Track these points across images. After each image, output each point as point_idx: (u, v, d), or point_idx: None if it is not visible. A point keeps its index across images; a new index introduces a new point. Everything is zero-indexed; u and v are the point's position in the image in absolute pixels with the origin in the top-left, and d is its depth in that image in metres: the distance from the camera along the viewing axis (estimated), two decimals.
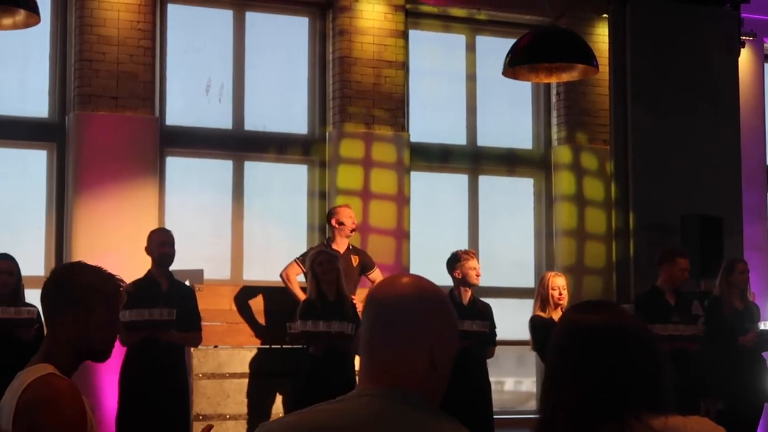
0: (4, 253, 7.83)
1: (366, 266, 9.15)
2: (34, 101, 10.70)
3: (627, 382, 2.47)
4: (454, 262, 8.27)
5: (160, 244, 8.03)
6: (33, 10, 7.86)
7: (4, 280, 7.71)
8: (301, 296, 8.59)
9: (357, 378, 5.78)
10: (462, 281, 8.23)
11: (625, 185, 11.69)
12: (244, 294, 9.31)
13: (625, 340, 2.52)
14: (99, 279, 3.36)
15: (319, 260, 8.14)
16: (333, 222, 9.10)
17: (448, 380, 2.32)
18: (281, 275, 9.02)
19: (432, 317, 2.27)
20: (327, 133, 11.43)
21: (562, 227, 12.10)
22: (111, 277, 3.40)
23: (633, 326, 2.57)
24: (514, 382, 12.62)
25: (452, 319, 2.33)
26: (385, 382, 2.23)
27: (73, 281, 3.35)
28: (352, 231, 9.09)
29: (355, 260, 9.09)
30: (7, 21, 8.11)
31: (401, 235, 11.30)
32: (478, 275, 8.25)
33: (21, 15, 7.99)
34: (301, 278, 8.95)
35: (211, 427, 3.40)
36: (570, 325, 2.56)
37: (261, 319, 9.22)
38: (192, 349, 8.66)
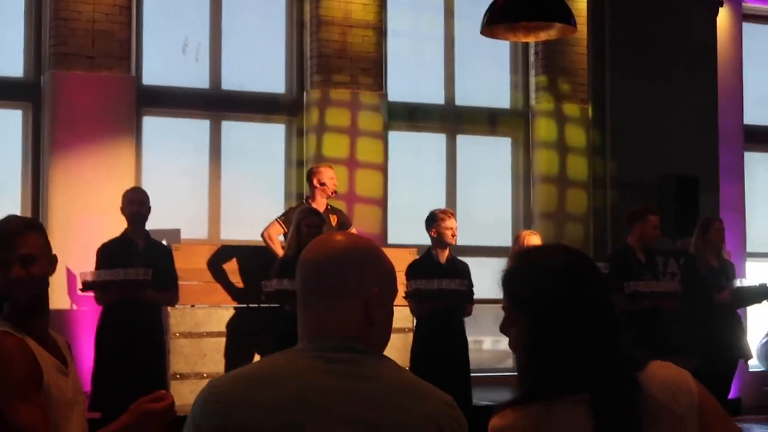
0: None
1: (344, 226, 9.14)
2: (8, 60, 10.63)
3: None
4: (431, 221, 8.27)
5: (130, 203, 7.99)
6: None
7: None
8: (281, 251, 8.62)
9: None
10: (438, 241, 8.24)
11: (602, 144, 11.72)
12: (221, 253, 9.30)
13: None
14: None
15: (308, 222, 8.05)
16: (314, 181, 9.06)
17: (388, 333, 2.35)
18: (262, 235, 9.01)
19: (363, 271, 2.29)
20: (304, 93, 11.40)
21: (540, 186, 12.12)
22: None
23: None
24: (492, 341, 12.66)
25: (387, 272, 2.35)
26: (326, 337, 2.27)
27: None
28: (333, 192, 9.06)
29: (333, 220, 9.08)
30: None
31: (380, 194, 11.30)
32: (453, 235, 8.23)
33: None
34: (282, 238, 8.94)
35: (163, 393, 3.36)
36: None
37: (238, 279, 9.22)
38: (169, 308, 8.65)
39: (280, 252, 8.69)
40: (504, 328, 2.53)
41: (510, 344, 2.53)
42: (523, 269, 2.52)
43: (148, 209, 8.04)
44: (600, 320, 2.44)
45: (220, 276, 9.21)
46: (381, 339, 2.33)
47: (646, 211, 8.75)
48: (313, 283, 2.31)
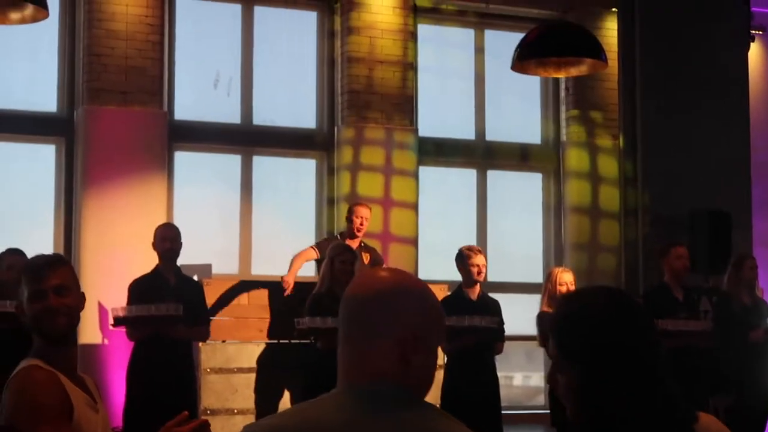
0: (15, 249, 7.82)
1: (376, 263, 9.14)
2: (43, 96, 10.71)
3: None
4: (459, 259, 8.26)
5: (163, 239, 8.02)
6: (42, 5, 7.86)
7: (16, 275, 7.70)
8: (292, 275, 8.76)
9: None
10: (467, 278, 8.22)
11: (634, 178, 11.67)
12: (252, 289, 9.30)
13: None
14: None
15: (342, 258, 8.08)
16: (352, 219, 9.10)
17: (430, 374, 2.27)
18: (294, 256, 9.03)
19: (403, 309, 2.22)
20: (335, 128, 11.42)
21: (572, 219, 12.08)
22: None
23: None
24: (522, 377, 12.62)
25: (429, 310, 2.26)
26: (363, 378, 2.21)
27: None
28: (357, 231, 9.04)
29: (366, 258, 9.08)
30: (16, 15, 8.11)
31: (412, 232, 11.28)
32: (480, 272, 8.19)
33: (30, 9, 7.98)
34: (309, 265, 8.94)
35: (186, 415, 3.37)
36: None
37: (268, 314, 9.21)
38: (200, 343, 8.66)
39: (294, 271, 8.75)
40: (552, 376, 2.47)
41: (559, 391, 2.45)
42: (570, 317, 2.45)
43: (180, 245, 8.07)
44: (652, 365, 2.40)
45: (250, 311, 9.21)
46: (421, 380, 2.24)
47: (669, 244, 8.70)
48: (352, 319, 2.25)
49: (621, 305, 2.45)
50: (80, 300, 3.49)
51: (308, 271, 10.71)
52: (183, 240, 8.19)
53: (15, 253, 7.78)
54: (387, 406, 2.16)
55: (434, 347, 2.27)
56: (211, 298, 8.52)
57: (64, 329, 3.41)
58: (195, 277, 8.78)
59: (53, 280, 3.40)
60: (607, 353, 2.37)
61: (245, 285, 9.36)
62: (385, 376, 2.18)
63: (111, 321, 7.90)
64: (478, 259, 8.19)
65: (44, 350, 3.37)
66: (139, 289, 7.88)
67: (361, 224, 9.03)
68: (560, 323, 2.45)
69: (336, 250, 8.17)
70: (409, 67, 11.51)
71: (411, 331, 2.20)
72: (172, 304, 7.65)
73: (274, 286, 9.36)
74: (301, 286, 9.01)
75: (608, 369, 2.36)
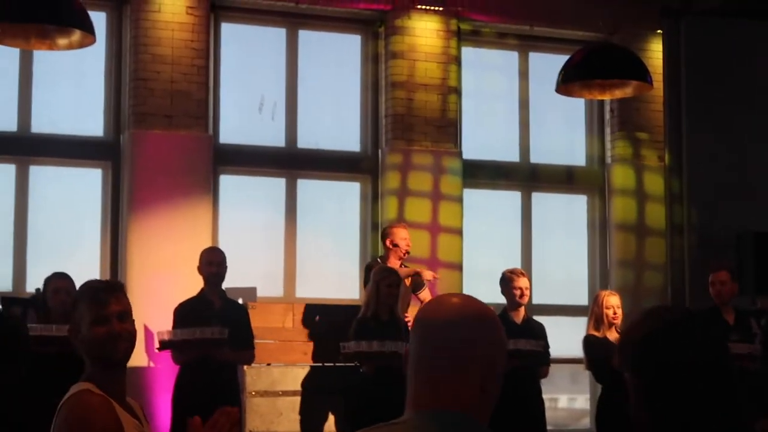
0: (61, 272, 7.87)
1: (417, 285, 9.13)
2: (89, 120, 10.80)
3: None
4: (502, 282, 8.24)
5: (208, 264, 8.06)
6: (88, 30, 7.94)
7: (62, 299, 7.75)
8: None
9: None
10: (510, 301, 8.19)
11: (680, 202, 11.61)
12: (297, 312, 9.33)
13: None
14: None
15: (388, 281, 8.09)
16: (387, 243, 9.10)
17: (496, 401, 2.26)
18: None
19: (481, 340, 2.22)
20: (379, 152, 11.44)
21: (617, 237, 12.02)
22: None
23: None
24: (567, 399, 12.56)
25: (502, 339, 2.27)
26: (436, 405, 2.18)
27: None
28: (405, 253, 9.07)
29: (407, 280, 9.07)
30: (63, 41, 8.19)
31: (457, 257, 11.26)
32: (522, 295, 8.15)
33: (77, 35, 8.06)
34: (353, 287, 8.92)
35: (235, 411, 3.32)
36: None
37: (313, 337, 9.22)
38: (245, 366, 8.68)
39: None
40: (637, 412, 2.44)
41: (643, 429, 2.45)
42: (640, 339, 2.46)
43: (225, 269, 8.10)
44: (722, 383, 2.45)
45: (295, 334, 9.22)
46: (489, 409, 2.24)
47: (711, 268, 8.63)
48: (436, 346, 2.21)
49: (702, 324, 2.48)
50: (134, 326, 3.55)
51: (352, 293, 10.72)
52: (228, 263, 8.22)
53: (61, 278, 7.83)
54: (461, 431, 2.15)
55: (503, 375, 2.28)
56: (255, 321, 8.54)
57: (125, 354, 3.49)
58: (240, 301, 8.81)
59: (116, 306, 3.47)
60: (678, 371, 2.40)
61: (290, 308, 9.38)
62: (465, 404, 2.18)
63: (157, 345, 7.94)
64: (521, 282, 8.16)
65: (97, 375, 3.41)
66: (184, 313, 7.91)
67: (408, 245, 9.05)
68: (631, 348, 2.47)
69: (381, 274, 8.17)
70: (452, 90, 11.51)
71: (489, 361, 2.21)
72: (216, 328, 7.67)
73: (318, 309, 9.38)
74: (346, 309, 9.02)
75: (678, 387, 2.39)
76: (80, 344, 3.49)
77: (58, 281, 7.78)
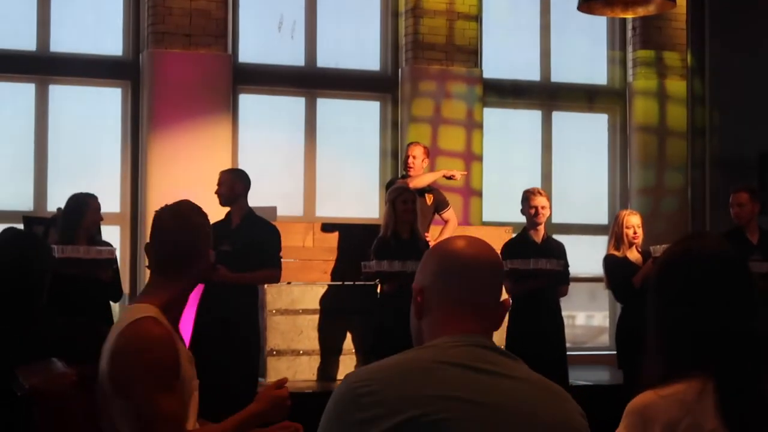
0: (90, 193, 7.74)
1: (440, 205, 9.10)
2: (108, 40, 10.78)
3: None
4: (522, 201, 8.20)
5: (217, 184, 7.99)
6: None
7: (100, 218, 7.74)
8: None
9: None
10: (530, 220, 8.16)
11: (702, 120, 11.52)
12: (317, 231, 9.34)
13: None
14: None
15: (403, 198, 8.08)
16: (408, 159, 9.07)
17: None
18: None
19: (502, 277, 2.58)
20: (400, 70, 11.38)
21: (638, 159, 11.99)
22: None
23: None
24: (585, 317, 12.61)
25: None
26: (481, 329, 2.45)
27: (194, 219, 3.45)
28: (409, 168, 8.97)
29: (429, 199, 9.04)
30: None
31: (476, 163, 11.25)
32: (538, 214, 8.10)
33: None
34: (373, 207, 8.88)
35: (285, 380, 3.43)
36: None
37: (333, 256, 9.25)
38: (266, 285, 8.70)
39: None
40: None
41: None
42: (674, 258, 2.59)
43: (229, 189, 7.91)
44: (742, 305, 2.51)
45: (315, 253, 9.25)
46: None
47: (732, 190, 8.58)
48: (470, 284, 2.47)
49: (719, 253, 2.58)
50: None
51: (373, 212, 10.74)
52: (245, 183, 8.07)
53: (95, 198, 7.73)
54: (498, 357, 2.41)
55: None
56: None
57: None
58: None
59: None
60: (693, 291, 2.52)
61: (310, 227, 9.40)
62: (491, 329, 2.48)
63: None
64: (538, 200, 8.10)
65: (166, 294, 3.29)
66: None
67: (409, 162, 8.95)
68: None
69: (394, 193, 8.14)
70: (473, 8, 11.41)
71: (504, 295, 2.56)
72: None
73: (338, 228, 9.40)
74: (366, 228, 9.03)
75: (693, 306, 2.51)
76: (175, 256, 3.35)
77: (95, 201, 7.70)
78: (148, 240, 3.45)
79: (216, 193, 7.90)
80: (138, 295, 3.38)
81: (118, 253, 8.18)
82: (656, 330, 2.53)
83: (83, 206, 7.61)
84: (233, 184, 7.92)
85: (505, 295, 2.56)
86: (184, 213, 3.42)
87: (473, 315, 2.43)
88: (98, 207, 7.70)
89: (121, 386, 3.13)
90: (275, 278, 8.05)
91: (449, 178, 9.16)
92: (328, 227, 9.40)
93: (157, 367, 3.11)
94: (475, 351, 2.36)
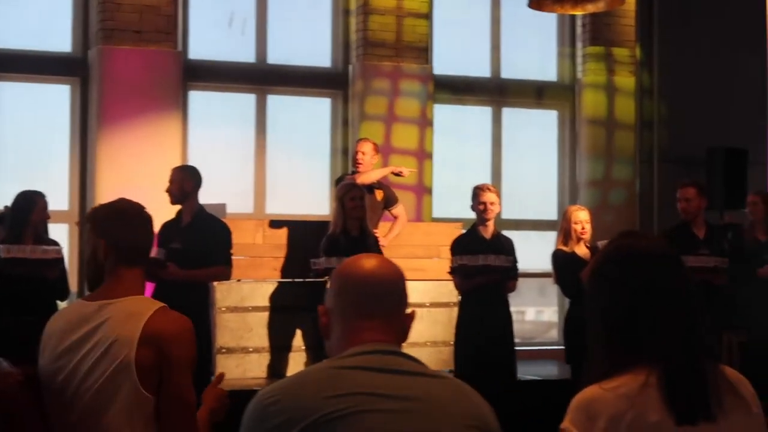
0: (37, 191, 7.68)
1: (389, 201, 9.12)
2: (57, 36, 10.71)
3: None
4: (472, 197, 8.23)
5: (168, 182, 7.94)
6: None
7: (47, 216, 7.68)
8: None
9: None
10: (478, 216, 8.20)
11: (650, 113, 11.64)
12: (267, 228, 9.33)
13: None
14: None
15: (351, 195, 8.09)
16: (356, 155, 9.08)
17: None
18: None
19: (405, 290, 2.64)
20: (350, 67, 11.39)
21: (587, 152, 12.07)
22: None
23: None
24: (535, 312, 12.69)
25: None
26: (392, 339, 2.56)
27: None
28: (357, 165, 8.97)
29: (379, 195, 9.06)
30: None
31: (426, 160, 11.29)
32: (490, 210, 8.13)
33: None
34: (324, 203, 8.88)
35: (223, 375, 3.51)
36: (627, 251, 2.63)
37: (283, 253, 9.25)
38: (215, 282, 8.67)
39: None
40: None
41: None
42: (609, 256, 2.65)
43: (179, 187, 7.88)
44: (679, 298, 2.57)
45: (265, 250, 9.25)
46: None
47: (678, 184, 8.67)
48: (388, 295, 2.59)
49: (653, 246, 2.64)
50: None
51: (323, 209, 10.75)
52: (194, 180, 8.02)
53: (41, 196, 7.67)
54: (415, 361, 2.54)
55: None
56: None
57: None
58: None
59: None
60: (635, 286, 2.58)
61: (259, 224, 9.39)
62: (398, 341, 2.58)
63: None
64: (487, 197, 8.13)
65: (141, 290, 3.39)
66: (161, 232, 7.80)
67: (358, 158, 8.95)
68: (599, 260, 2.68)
69: (343, 190, 8.16)
70: (424, 5, 11.44)
71: (408, 308, 2.66)
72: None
73: (288, 225, 9.39)
74: (316, 225, 9.04)
75: (635, 300, 2.56)
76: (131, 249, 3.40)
77: (42, 199, 7.64)
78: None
79: (167, 191, 7.86)
80: (102, 290, 3.35)
81: (66, 251, 8.14)
82: (596, 326, 2.58)
83: (31, 204, 7.56)
84: (183, 182, 7.88)
85: (410, 309, 2.64)
86: (119, 208, 3.45)
87: (377, 328, 2.53)
88: (45, 205, 7.65)
89: (163, 373, 3.16)
90: (226, 275, 8.05)
91: (397, 174, 9.18)
92: (278, 224, 9.39)
93: (195, 357, 3.23)
94: (381, 357, 2.46)
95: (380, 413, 2.35)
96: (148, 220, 3.46)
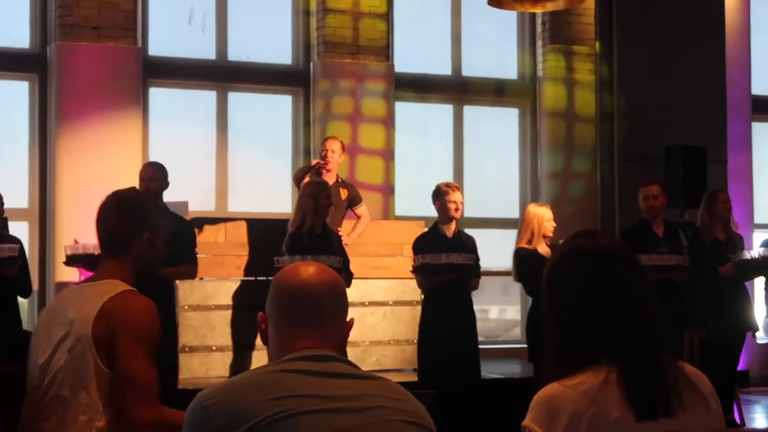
0: None
1: (353, 200, 9.12)
2: (15, 32, 10.60)
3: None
4: (436, 195, 8.22)
5: (145, 180, 7.87)
6: None
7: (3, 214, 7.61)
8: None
9: None
10: (443, 214, 8.20)
11: (610, 114, 11.68)
12: (229, 226, 9.29)
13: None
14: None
15: (326, 194, 8.06)
16: (322, 154, 9.09)
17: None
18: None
19: (345, 298, 2.69)
20: (311, 64, 11.36)
21: (547, 144, 12.12)
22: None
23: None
24: (498, 311, 12.71)
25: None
26: (333, 346, 2.59)
27: (147, 203, 3.62)
28: (324, 163, 8.97)
29: (343, 193, 9.06)
30: None
31: (389, 158, 11.29)
32: (457, 209, 8.14)
33: None
34: (286, 201, 8.83)
35: None
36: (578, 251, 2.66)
37: (246, 251, 9.21)
38: (177, 281, 8.62)
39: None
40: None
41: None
42: (564, 255, 2.68)
43: (159, 184, 7.85)
44: (636, 296, 2.60)
45: (228, 249, 9.20)
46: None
47: (640, 184, 8.71)
48: (301, 307, 2.60)
49: (609, 245, 2.68)
50: None
51: (285, 207, 10.71)
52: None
53: None
54: (353, 366, 2.57)
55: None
56: None
57: None
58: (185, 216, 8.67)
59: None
60: (590, 287, 2.60)
61: (222, 222, 9.35)
62: (337, 347, 2.61)
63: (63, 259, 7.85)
64: (455, 196, 8.15)
65: (124, 275, 3.47)
66: None
67: (327, 156, 8.96)
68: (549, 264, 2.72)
69: (318, 188, 8.11)
70: (383, 4, 11.44)
71: (347, 316, 2.69)
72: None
73: (250, 223, 9.36)
74: (279, 223, 9.00)
75: (587, 301, 2.59)
76: (146, 252, 3.52)
77: None
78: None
79: (146, 188, 7.76)
80: (91, 275, 3.56)
81: (27, 249, 8.06)
82: (552, 324, 2.61)
83: None
84: (162, 179, 7.85)
85: (351, 315, 2.68)
86: (122, 196, 3.65)
87: (313, 336, 2.56)
88: (1, 202, 7.59)
89: (114, 348, 3.26)
90: (192, 274, 8.05)
91: (319, 168, 9.14)
92: (240, 222, 9.35)
93: (150, 335, 3.29)
94: (319, 362, 2.50)
95: (321, 413, 2.39)
96: (132, 209, 3.58)
